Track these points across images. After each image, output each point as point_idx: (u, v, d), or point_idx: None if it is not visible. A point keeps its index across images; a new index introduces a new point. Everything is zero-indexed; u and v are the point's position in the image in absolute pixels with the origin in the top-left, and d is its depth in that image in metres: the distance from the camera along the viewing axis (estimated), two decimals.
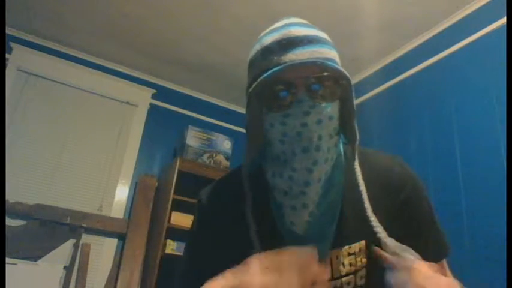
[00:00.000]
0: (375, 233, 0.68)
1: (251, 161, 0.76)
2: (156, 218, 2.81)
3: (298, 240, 0.68)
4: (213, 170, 2.92)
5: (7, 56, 2.80)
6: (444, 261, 0.77)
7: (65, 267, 2.55)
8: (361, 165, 0.74)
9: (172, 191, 2.67)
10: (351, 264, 0.69)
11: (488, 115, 1.94)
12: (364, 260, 0.70)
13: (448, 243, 0.78)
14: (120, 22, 2.72)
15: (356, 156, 0.73)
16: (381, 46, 2.64)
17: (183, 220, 2.71)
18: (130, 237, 2.78)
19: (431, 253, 0.72)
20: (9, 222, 2.52)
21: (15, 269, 2.35)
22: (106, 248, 2.80)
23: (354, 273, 0.70)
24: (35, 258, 2.50)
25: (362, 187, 0.71)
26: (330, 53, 0.69)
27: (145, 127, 3.20)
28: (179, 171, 2.73)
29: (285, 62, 0.65)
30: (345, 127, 0.73)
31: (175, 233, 2.64)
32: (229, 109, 3.64)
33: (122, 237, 2.83)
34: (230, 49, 2.88)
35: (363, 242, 0.70)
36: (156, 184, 3.02)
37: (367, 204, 0.70)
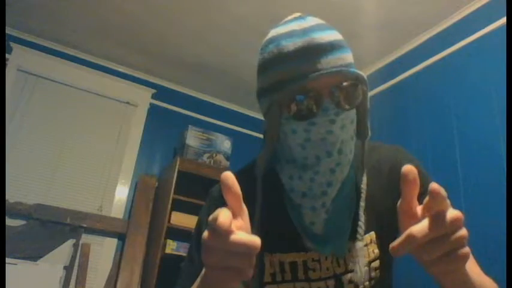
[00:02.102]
0: (383, 220, 0.72)
1: (265, 162, 0.75)
2: (156, 218, 2.81)
3: (317, 239, 0.69)
4: (213, 170, 2.92)
5: (7, 56, 2.80)
6: None
7: (65, 267, 2.55)
8: (368, 157, 0.76)
9: (172, 191, 2.67)
10: (364, 256, 0.71)
11: (488, 115, 1.94)
12: (376, 251, 0.72)
13: None
14: (121, 22, 2.72)
15: (364, 153, 0.75)
16: (380, 46, 2.64)
17: (183, 220, 2.71)
18: (130, 237, 2.78)
19: None
20: (10, 222, 2.52)
21: (15, 269, 2.35)
22: (106, 248, 2.80)
23: (368, 264, 0.71)
24: (35, 258, 2.50)
25: (364, 185, 0.72)
26: (350, 58, 0.70)
27: (145, 127, 3.20)
28: (179, 171, 2.73)
29: (310, 72, 0.64)
30: (358, 124, 0.74)
31: (175, 233, 2.64)
32: (229, 109, 3.64)
33: (122, 237, 2.83)
34: (230, 49, 2.88)
35: (373, 233, 0.72)
36: (156, 184, 3.02)
37: (362, 203, 0.71)
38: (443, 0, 2.22)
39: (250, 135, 3.64)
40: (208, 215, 0.54)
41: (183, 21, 2.64)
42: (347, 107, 0.67)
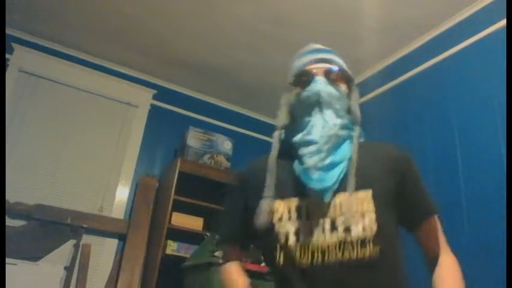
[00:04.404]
0: (382, 183, 0.93)
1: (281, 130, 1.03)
2: (156, 219, 2.81)
3: (316, 188, 0.88)
4: (214, 170, 2.92)
5: (8, 56, 2.81)
6: (437, 220, 0.99)
7: (65, 268, 2.55)
8: (362, 146, 0.96)
9: (173, 192, 2.67)
10: (357, 206, 0.88)
11: (489, 116, 1.94)
12: (370, 206, 0.88)
13: (436, 204, 1.01)
14: (121, 23, 2.72)
15: (358, 134, 0.96)
16: (382, 47, 2.65)
17: (183, 221, 2.71)
18: (130, 237, 2.78)
19: (424, 210, 0.99)
20: (10, 222, 2.52)
21: (15, 269, 2.35)
22: (106, 249, 2.80)
23: (361, 214, 0.87)
24: (35, 258, 2.50)
25: (354, 157, 0.92)
26: (336, 58, 1.05)
27: (146, 128, 3.20)
28: (180, 172, 2.73)
29: (309, 62, 1.02)
30: (352, 113, 1.00)
31: (175, 234, 2.64)
32: (230, 110, 3.64)
33: (122, 238, 2.83)
34: (231, 50, 2.88)
35: (369, 191, 0.89)
36: (157, 185, 3.02)
37: (353, 171, 0.90)
38: (443, 2, 2.23)
39: (251, 136, 3.64)
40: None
41: (184, 22, 2.65)
42: (330, 82, 0.99)
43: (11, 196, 2.54)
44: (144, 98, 3.26)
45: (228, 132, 3.36)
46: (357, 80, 2.90)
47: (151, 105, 3.28)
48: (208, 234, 2.36)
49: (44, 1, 2.58)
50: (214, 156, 3.03)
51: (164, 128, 3.27)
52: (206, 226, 2.77)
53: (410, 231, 1.00)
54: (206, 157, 3.00)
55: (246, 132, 3.63)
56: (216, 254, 2.13)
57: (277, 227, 0.90)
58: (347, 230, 0.86)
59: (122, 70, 3.23)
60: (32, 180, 2.72)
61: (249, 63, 3.02)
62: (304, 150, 0.92)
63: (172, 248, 2.61)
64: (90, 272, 2.64)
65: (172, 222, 2.65)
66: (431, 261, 0.96)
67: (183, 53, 2.99)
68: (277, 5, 2.39)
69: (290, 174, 0.94)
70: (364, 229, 0.86)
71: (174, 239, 2.63)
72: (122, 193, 2.97)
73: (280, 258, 0.88)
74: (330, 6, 2.35)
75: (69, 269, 2.55)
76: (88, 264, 2.64)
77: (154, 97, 3.30)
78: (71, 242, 2.63)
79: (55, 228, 2.61)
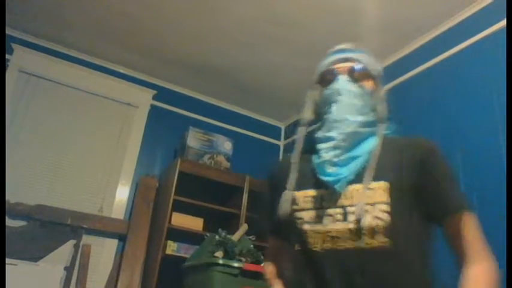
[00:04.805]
0: (401, 177, 0.92)
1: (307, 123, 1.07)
2: (156, 219, 2.81)
3: (331, 179, 0.93)
4: (214, 170, 2.92)
5: (8, 57, 2.81)
6: (467, 218, 0.90)
7: (65, 268, 2.55)
8: (388, 140, 0.99)
9: (173, 192, 2.67)
10: (369, 196, 0.89)
11: (489, 116, 1.94)
12: (385, 197, 0.89)
13: (468, 200, 0.94)
14: (122, 23, 2.72)
15: (382, 132, 0.99)
16: (381, 48, 2.64)
17: (183, 221, 2.71)
18: (130, 238, 2.78)
19: (448, 204, 0.92)
20: (10, 222, 2.52)
21: (15, 269, 2.35)
22: (106, 249, 2.80)
23: (373, 204, 0.89)
24: (35, 258, 2.50)
25: (377, 151, 0.95)
26: (361, 56, 1.06)
27: (146, 128, 3.20)
28: (180, 172, 2.73)
29: (332, 61, 1.06)
30: (377, 111, 1.03)
31: (175, 234, 2.64)
32: (230, 110, 3.65)
33: (122, 238, 2.83)
34: (231, 50, 2.89)
35: (383, 183, 0.90)
36: (157, 185, 3.02)
37: (373, 164, 0.92)
38: (443, 2, 2.23)
39: (250, 136, 3.65)
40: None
41: (184, 22, 2.65)
42: (354, 80, 1.01)
43: (11, 196, 2.54)
44: (144, 98, 3.26)
45: (228, 132, 3.36)
46: None
47: (151, 105, 3.28)
48: (208, 234, 2.36)
49: (44, 1, 2.58)
50: (214, 156, 3.03)
51: (164, 128, 3.27)
52: (206, 226, 2.77)
53: (439, 228, 0.94)
54: (206, 157, 3.00)
55: (246, 132, 3.63)
56: (216, 254, 2.13)
57: (294, 215, 0.97)
58: (358, 219, 0.88)
59: (122, 70, 3.23)
60: (32, 180, 2.72)
61: (249, 63, 3.02)
62: (322, 145, 0.97)
63: (172, 248, 2.61)
64: (90, 272, 2.64)
65: (172, 223, 2.65)
66: (461, 269, 0.88)
67: (183, 53, 2.99)
68: (277, 5, 2.39)
69: (310, 167, 1.00)
70: (374, 219, 0.87)
71: (174, 239, 2.63)
72: (122, 193, 2.97)
73: (296, 244, 0.96)
74: (329, 6, 2.35)
75: (69, 269, 2.55)
76: (88, 264, 2.64)
77: (154, 97, 3.31)
78: (71, 242, 2.63)
79: (55, 228, 2.61)
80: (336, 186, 0.92)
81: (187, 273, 2.31)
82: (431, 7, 2.27)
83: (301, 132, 1.08)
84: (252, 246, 2.27)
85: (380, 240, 0.86)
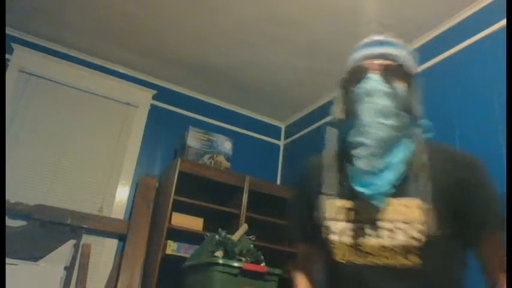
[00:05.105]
0: (438, 194, 0.85)
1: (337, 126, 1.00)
2: (156, 219, 2.81)
3: (365, 191, 0.87)
4: (214, 170, 2.92)
5: (8, 56, 2.81)
6: (499, 238, 0.88)
7: (65, 268, 2.55)
8: (429, 146, 0.92)
9: (173, 192, 2.67)
10: (405, 214, 0.85)
11: (489, 116, 1.94)
12: (421, 215, 0.84)
13: (502, 218, 0.88)
14: (122, 23, 2.72)
15: (423, 136, 0.93)
16: None
17: (183, 221, 2.71)
18: (130, 238, 2.78)
19: (484, 226, 0.87)
20: (10, 222, 2.52)
21: (15, 269, 2.35)
22: (106, 249, 2.80)
23: (409, 223, 0.85)
24: (35, 258, 2.50)
25: (425, 159, 0.88)
26: (396, 51, 0.98)
27: (146, 128, 3.20)
28: (180, 172, 2.73)
29: (364, 57, 0.96)
30: (413, 111, 0.96)
31: (175, 234, 2.64)
32: (230, 110, 3.65)
33: (122, 238, 2.83)
34: (231, 50, 2.89)
35: (419, 200, 0.85)
36: (157, 185, 3.02)
37: (424, 173, 0.87)
38: (443, 2, 2.23)
39: (250, 136, 3.65)
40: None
41: (184, 22, 2.65)
42: (387, 79, 0.92)
43: (11, 196, 2.54)
44: (144, 98, 3.26)
45: (228, 132, 3.36)
46: None
47: (151, 105, 3.28)
48: (208, 234, 2.36)
49: (44, 1, 2.58)
50: (214, 156, 3.03)
51: (164, 128, 3.27)
52: (206, 226, 2.77)
53: (472, 249, 0.91)
54: (206, 157, 3.00)
55: (246, 132, 3.63)
56: (216, 254, 2.13)
57: (324, 223, 0.94)
58: (390, 236, 0.85)
59: (122, 70, 3.23)
60: (32, 180, 2.72)
61: (249, 63, 3.02)
62: (355, 152, 0.90)
63: (172, 248, 2.61)
64: (90, 272, 2.64)
65: (172, 222, 2.65)
66: None
67: (183, 53, 2.99)
68: (277, 5, 2.39)
69: (343, 173, 0.95)
70: (408, 238, 0.84)
71: (174, 239, 2.63)
72: (122, 193, 2.97)
73: (325, 253, 0.94)
74: (330, 6, 2.35)
75: (69, 269, 2.55)
76: (88, 264, 2.64)
77: (154, 97, 3.31)
78: (71, 242, 2.63)
79: (55, 228, 2.61)
80: (374, 202, 0.87)
81: (187, 273, 2.31)
82: (432, 7, 2.26)
83: (332, 134, 1.01)
84: (252, 246, 2.27)
85: (412, 260, 0.83)
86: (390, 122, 0.89)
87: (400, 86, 0.94)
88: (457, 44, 2.25)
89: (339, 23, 2.47)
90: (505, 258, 0.84)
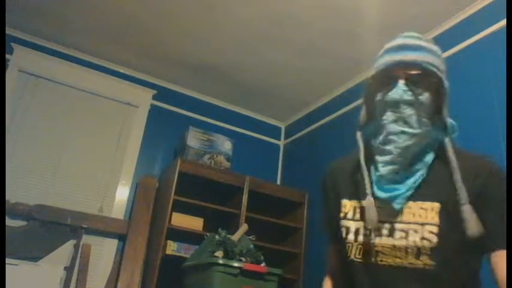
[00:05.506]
0: (455, 197, 0.85)
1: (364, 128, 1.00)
2: (156, 219, 2.81)
3: (384, 193, 0.90)
4: (214, 170, 2.92)
5: (8, 56, 2.81)
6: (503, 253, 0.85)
7: (65, 268, 2.55)
8: (454, 151, 0.91)
9: (173, 192, 2.67)
10: (420, 216, 0.87)
11: (489, 116, 1.94)
12: (435, 218, 0.86)
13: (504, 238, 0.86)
14: (122, 23, 2.72)
15: (449, 141, 0.92)
16: (380, 48, 2.64)
17: (183, 221, 2.71)
18: (130, 238, 2.78)
19: (495, 239, 0.85)
20: (10, 222, 2.52)
21: (15, 269, 2.35)
22: (106, 249, 2.80)
23: (422, 224, 0.86)
24: (35, 258, 2.49)
25: (454, 163, 0.88)
26: (428, 58, 0.95)
27: (146, 128, 3.20)
28: (180, 172, 2.73)
29: (395, 61, 0.93)
30: (439, 118, 0.95)
31: (175, 234, 2.64)
32: (230, 110, 3.65)
33: (122, 238, 2.83)
34: (231, 50, 2.89)
35: (436, 204, 0.87)
36: (157, 185, 3.02)
37: (457, 176, 0.86)
38: (443, 2, 2.23)
39: (251, 136, 3.65)
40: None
41: (184, 22, 2.65)
42: (414, 88, 0.90)
43: (11, 196, 2.54)
44: (144, 98, 3.26)
45: (228, 132, 3.36)
46: (357, 79, 2.90)
47: (152, 105, 3.28)
48: (208, 234, 2.36)
49: (44, 1, 2.59)
50: (214, 156, 3.03)
51: (164, 128, 3.27)
52: (206, 226, 2.77)
53: (485, 256, 0.89)
54: (206, 157, 3.00)
55: (246, 132, 3.63)
56: (216, 254, 2.13)
57: (343, 223, 0.97)
58: (403, 237, 0.87)
59: (122, 70, 3.23)
60: (32, 180, 2.72)
61: (249, 63, 3.02)
62: (379, 158, 0.92)
63: (172, 248, 2.61)
64: (90, 272, 2.64)
65: (172, 223, 2.65)
66: None
67: (183, 53, 2.99)
68: (277, 5, 2.39)
69: (366, 176, 0.95)
70: (421, 239, 0.85)
71: (174, 239, 2.63)
72: (122, 193, 2.97)
73: (343, 252, 0.96)
74: (330, 6, 2.35)
75: (69, 269, 2.55)
76: (88, 264, 2.64)
77: (154, 97, 3.31)
78: (71, 242, 2.63)
79: (55, 228, 2.61)
80: (394, 204, 0.89)
81: (187, 273, 2.31)
82: (432, 6, 2.27)
83: (360, 137, 1.00)
84: (252, 246, 2.27)
85: (424, 262, 0.84)
86: (416, 131, 0.89)
87: (428, 94, 0.93)
88: (457, 44, 2.25)
89: (339, 23, 2.47)
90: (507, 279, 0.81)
